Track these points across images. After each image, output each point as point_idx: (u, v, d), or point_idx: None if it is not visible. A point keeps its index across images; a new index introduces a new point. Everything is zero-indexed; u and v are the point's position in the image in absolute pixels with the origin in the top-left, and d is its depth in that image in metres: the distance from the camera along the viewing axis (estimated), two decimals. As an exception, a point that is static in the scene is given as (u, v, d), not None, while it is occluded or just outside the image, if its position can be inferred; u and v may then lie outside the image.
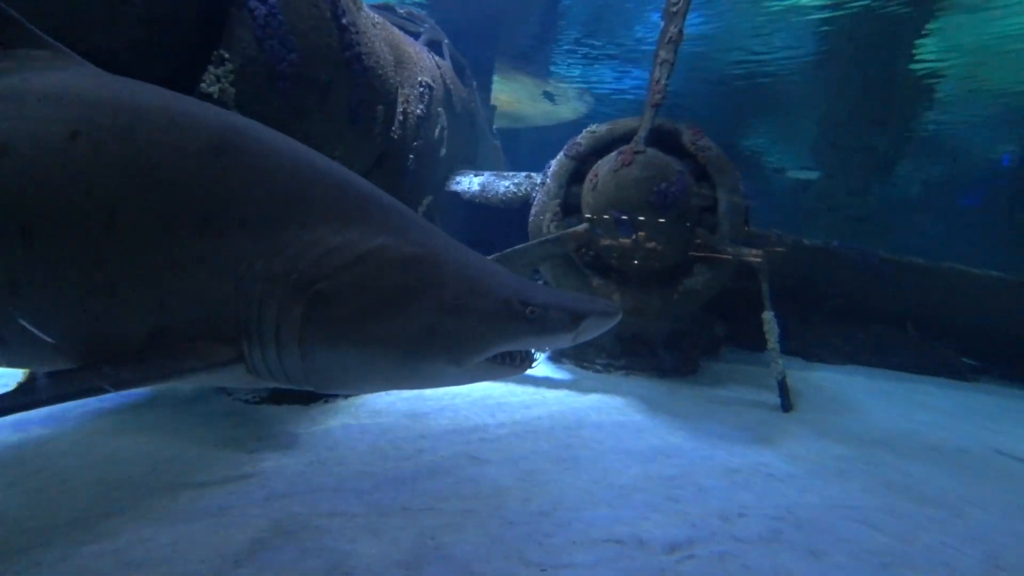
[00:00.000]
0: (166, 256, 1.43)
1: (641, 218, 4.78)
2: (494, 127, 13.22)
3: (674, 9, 5.35)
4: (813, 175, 16.04)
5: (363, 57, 4.83)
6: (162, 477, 2.70)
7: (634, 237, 4.69)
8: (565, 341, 1.58)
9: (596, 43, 16.93)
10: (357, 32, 4.72)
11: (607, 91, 19.69)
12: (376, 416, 3.77)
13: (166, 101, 1.62)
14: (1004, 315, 7.04)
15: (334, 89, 4.44)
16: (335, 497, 2.57)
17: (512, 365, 1.65)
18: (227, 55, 3.55)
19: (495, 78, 18.89)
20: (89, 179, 1.43)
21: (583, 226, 5.02)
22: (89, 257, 1.42)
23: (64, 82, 1.58)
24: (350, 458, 3.07)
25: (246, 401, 3.93)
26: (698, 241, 4.94)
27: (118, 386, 1.35)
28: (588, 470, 3.01)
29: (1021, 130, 18.20)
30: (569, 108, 21.43)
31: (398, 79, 6.22)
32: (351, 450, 3.19)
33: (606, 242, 4.91)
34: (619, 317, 1.65)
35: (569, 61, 18.27)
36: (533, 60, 18.49)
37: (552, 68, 18.73)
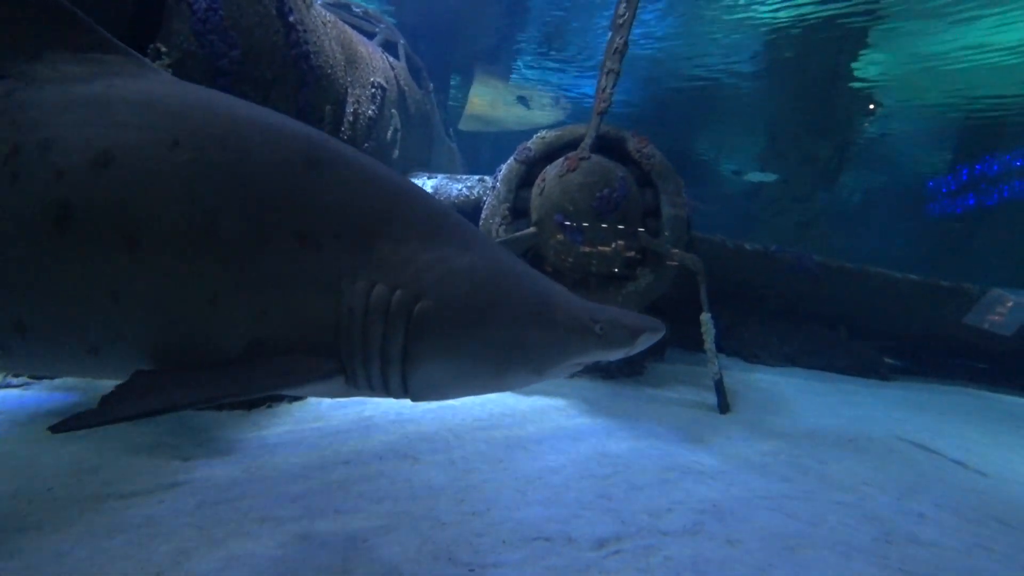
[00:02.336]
0: (267, 267, 1.42)
1: (584, 224, 4.91)
2: (451, 130, 13.19)
3: (620, 21, 5.51)
4: (771, 177, 16.68)
5: (311, 56, 4.77)
6: (86, 488, 2.60)
7: (580, 241, 4.81)
8: (622, 354, 1.70)
9: (566, 49, 17.15)
10: (305, 30, 4.66)
11: (577, 95, 19.97)
12: (319, 420, 3.73)
13: (252, 111, 1.62)
14: (920, 315, 7.56)
15: (279, 88, 4.37)
16: (267, 503, 2.55)
17: (570, 371, 1.76)
18: (164, 49, 3.45)
19: (467, 82, 18.93)
20: (192, 188, 1.42)
21: (531, 230, 5.11)
22: (192, 267, 1.39)
23: (153, 90, 1.55)
24: (287, 463, 3.04)
25: (183, 407, 3.81)
26: (641, 245, 5.10)
27: (222, 395, 1.32)
28: (525, 470, 3.08)
29: (952, 142, 19.52)
30: (544, 113, 21.63)
31: (349, 79, 6.16)
32: (290, 455, 3.16)
33: (552, 246, 5.01)
34: (663, 333, 1.77)
35: (545, 66, 18.40)
36: (497, 62, 18.58)
37: (527, 73, 18.85)
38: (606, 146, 5.48)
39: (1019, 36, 12.12)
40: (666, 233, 5.29)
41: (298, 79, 4.52)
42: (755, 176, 16.87)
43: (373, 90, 6.84)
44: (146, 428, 3.30)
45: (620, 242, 4.98)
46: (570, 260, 5.07)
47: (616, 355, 1.69)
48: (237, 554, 2.09)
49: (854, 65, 14.82)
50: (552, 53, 17.51)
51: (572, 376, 1.82)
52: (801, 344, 8.22)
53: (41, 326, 1.43)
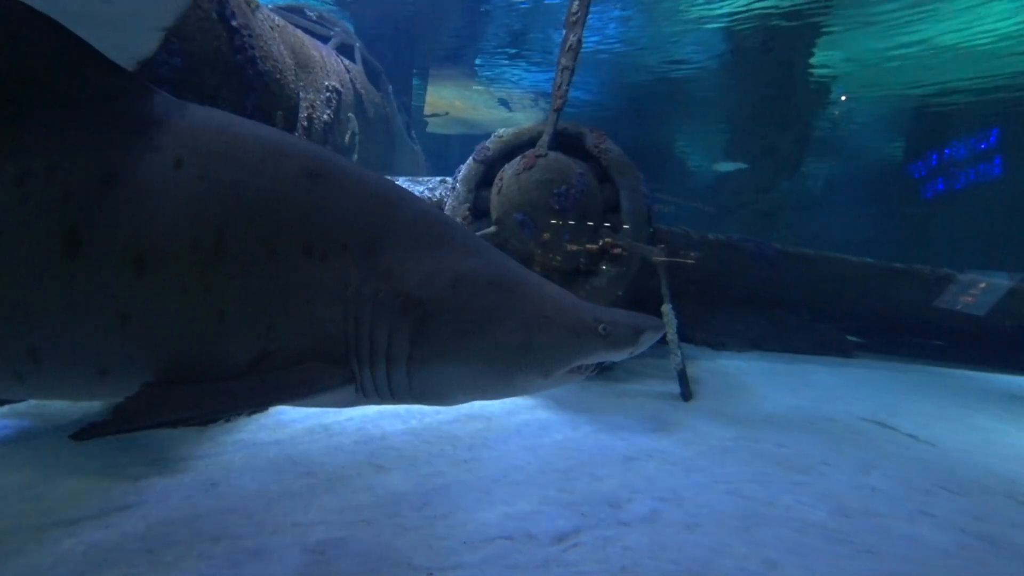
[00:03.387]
0: (273, 281, 1.44)
1: (553, 221, 4.94)
2: (413, 132, 13.08)
3: (573, 18, 5.55)
4: (742, 166, 16.99)
5: (258, 61, 4.67)
6: (27, 518, 2.48)
7: (541, 238, 4.83)
8: (627, 353, 1.74)
9: (531, 48, 17.15)
10: (251, 35, 4.56)
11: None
12: (279, 430, 3.66)
13: (254, 128, 1.64)
14: (876, 297, 7.84)
15: (224, 94, 4.27)
16: (223, 521, 2.48)
17: (577, 373, 1.78)
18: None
19: (430, 84, 18.75)
20: (196, 207, 1.42)
21: (491, 229, 5.10)
22: (199, 285, 1.40)
23: (153, 109, 1.56)
24: (245, 478, 2.97)
25: (137, 426, 3.69)
26: (602, 240, 5.15)
27: (237, 406, 1.33)
28: (489, 470, 3.08)
29: (905, 132, 20.24)
30: (525, 115, 21.58)
31: (301, 84, 6.05)
32: (248, 469, 3.08)
33: (513, 244, 5.02)
34: (664, 332, 1.83)
35: (516, 65, 18.36)
36: (460, 63, 18.51)
37: (493, 72, 18.79)
38: (564, 143, 5.51)
39: (964, 28, 12.65)
40: (627, 227, 5.35)
41: (244, 85, 4.42)
42: (725, 166, 17.14)
43: (328, 94, 6.74)
44: (95, 450, 3.19)
45: (580, 238, 5.02)
46: (534, 257, 5.08)
47: (620, 355, 1.74)
48: (187, 576, 2.03)
49: (811, 59, 15.24)
50: (522, 52, 17.52)
51: (578, 379, 1.85)
52: (765, 329, 8.43)
53: (54, 352, 1.42)
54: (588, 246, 5.11)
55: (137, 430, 1.24)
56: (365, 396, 1.58)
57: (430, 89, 19.42)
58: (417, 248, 1.57)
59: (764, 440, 3.76)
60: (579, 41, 5.45)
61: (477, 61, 18.60)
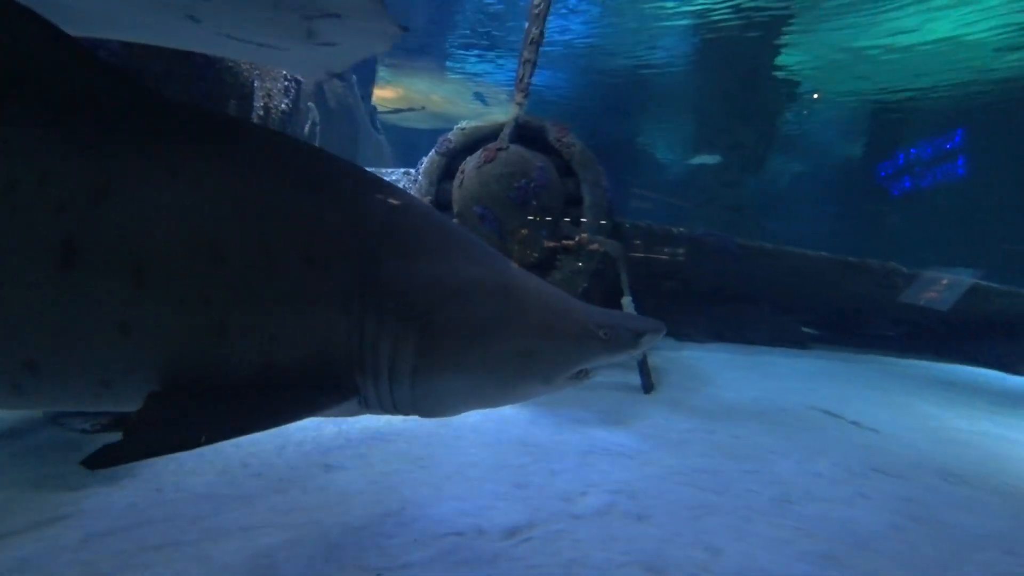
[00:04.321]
0: (274, 291, 1.41)
1: (513, 215, 4.91)
2: (378, 123, 12.86)
3: (536, 11, 5.52)
4: (715, 159, 17.23)
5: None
6: (-50, 532, 2.35)
7: (499, 231, 4.81)
8: (627, 356, 1.75)
9: (502, 40, 16.95)
10: (197, 21, 4.36)
11: (533, 89, 19.82)
12: (232, 433, 3.56)
13: (252, 133, 1.61)
14: (831, 290, 8.11)
15: (171, 82, 4.08)
16: (167, 528, 2.40)
17: (579, 378, 1.78)
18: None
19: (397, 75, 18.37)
20: (194, 216, 1.39)
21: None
22: (200, 295, 1.38)
23: (147, 115, 1.51)
24: (193, 482, 2.87)
25: (83, 431, 3.54)
26: (562, 233, 5.17)
27: (250, 429, 1.31)
28: (444, 467, 3.06)
29: (866, 130, 20.90)
30: (501, 109, 21.27)
31: (257, 72, 5.85)
32: (196, 473, 2.99)
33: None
34: (664, 332, 1.83)
35: (486, 59, 18.11)
36: (431, 56, 18.22)
37: (464, 66, 18.52)
38: (527, 136, 5.49)
39: (920, 29, 13.09)
40: (589, 220, 5.38)
41: (191, 73, 4.24)
42: (700, 159, 17.35)
43: (286, 83, 6.54)
44: (32, 460, 3.04)
45: (540, 232, 5.02)
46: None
47: (621, 357, 1.75)
48: (122, 588, 1.96)
49: (777, 57, 15.54)
50: (494, 46, 17.32)
51: (579, 384, 1.86)
52: (727, 321, 8.63)
53: (52, 364, 1.39)
54: (547, 241, 5.12)
55: (152, 456, 1.25)
56: (368, 408, 1.57)
57: (404, 83, 19.07)
58: (420, 255, 1.55)
59: (720, 431, 3.84)
60: (541, 34, 5.43)
61: (448, 54, 18.38)
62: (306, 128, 7.09)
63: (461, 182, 5.05)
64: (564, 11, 13.92)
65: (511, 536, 2.34)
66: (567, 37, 15.79)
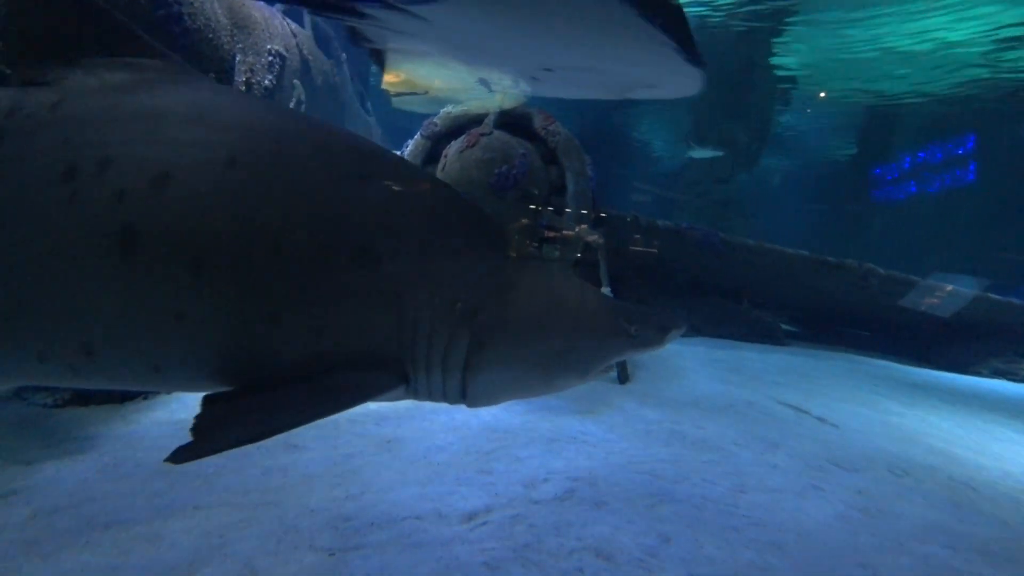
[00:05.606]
0: (328, 283, 1.43)
1: (492, 201, 4.88)
2: (368, 103, 12.66)
3: None
4: (718, 153, 17.19)
5: (184, 18, 4.37)
6: None
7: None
8: (653, 352, 1.82)
9: None
10: (173, -11, 4.24)
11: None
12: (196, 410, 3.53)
13: (302, 123, 1.61)
14: (809, 288, 8.20)
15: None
16: (119, 505, 2.37)
17: (607, 370, 1.84)
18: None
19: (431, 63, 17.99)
20: (251, 206, 1.40)
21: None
22: (255, 285, 1.39)
23: (201, 101, 1.51)
24: (151, 458, 2.84)
25: (44, 406, 3.48)
26: (544, 222, 5.15)
27: (309, 419, 1.32)
28: (410, 451, 3.06)
29: (855, 132, 21.01)
30: (506, 96, 21.03)
31: (239, 45, 5.72)
32: (155, 448, 2.96)
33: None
34: (685, 329, 1.90)
35: None
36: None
37: None
38: (512, 123, 5.44)
39: (920, 29, 13.14)
40: (572, 209, 5.36)
41: (167, 44, 4.12)
42: (701, 152, 17.28)
43: (271, 58, 6.39)
44: (-12, 430, 2.99)
45: (522, 218, 5.00)
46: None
47: (647, 353, 1.83)
48: (67, 569, 1.93)
49: (771, 56, 15.52)
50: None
51: (604, 376, 1.93)
52: (707, 315, 8.71)
53: (108, 349, 1.41)
54: (527, 228, 5.10)
55: (223, 451, 1.25)
56: (416, 395, 1.61)
57: (406, 67, 18.72)
58: (467, 251, 1.59)
59: (686, 422, 3.89)
60: (528, 19, 5.34)
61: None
62: (291, 105, 6.95)
63: (443, 166, 5.01)
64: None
65: (469, 520, 2.36)
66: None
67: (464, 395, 1.61)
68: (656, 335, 1.79)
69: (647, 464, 3.05)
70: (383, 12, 3.11)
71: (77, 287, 1.37)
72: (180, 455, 1.20)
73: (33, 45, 1.50)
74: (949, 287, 8.06)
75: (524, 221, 5.13)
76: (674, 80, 3.49)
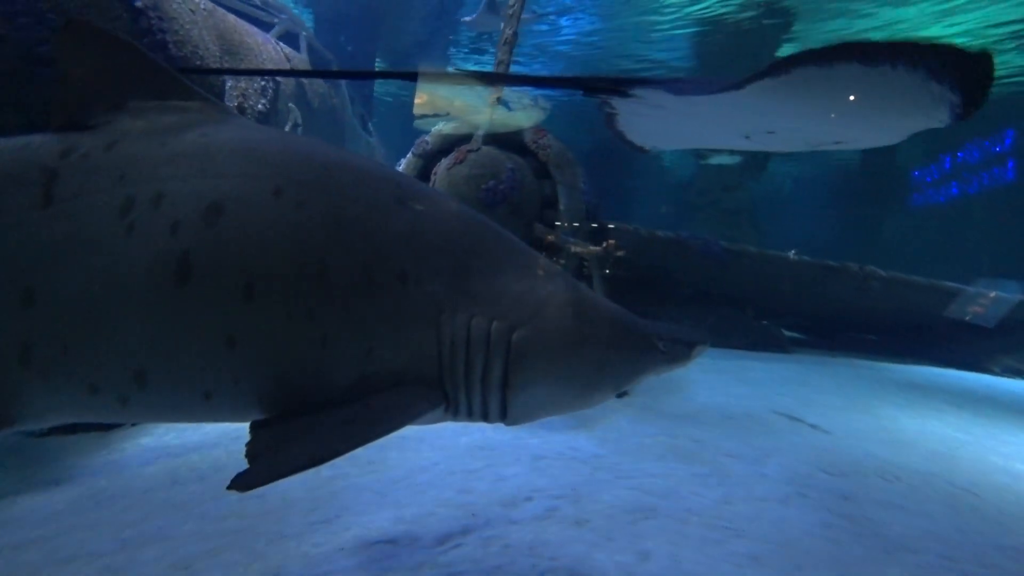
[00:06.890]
0: (373, 306, 1.47)
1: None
2: (369, 124, 12.82)
3: (510, 12, 5.48)
4: (735, 160, 17.10)
5: (170, 45, 4.45)
6: None
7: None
8: (681, 367, 1.82)
9: (519, 40, 16.90)
10: (160, 17, 4.33)
11: (550, 93, 19.72)
12: (184, 434, 3.51)
13: (340, 155, 1.69)
14: (812, 294, 8.06)
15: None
16: (87, 537, 2.33)
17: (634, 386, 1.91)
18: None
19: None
20: (298, 235, 1.46)
21: (423, 225, 5.01)
22: (305, 311, 1.43)
23: (246, 138, 1.60)
24: (130, 487, 2.82)
25: (29, 434, 3.48)
26: (535, 236, 5.11)
27: (357, 444, 1.32)
28: (393, 471, 3.00)
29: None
30: (525, 115, 21.15)
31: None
32: (136, 477, 2.94)
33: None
34: (709, 344, 1.91)
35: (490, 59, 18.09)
36: (428, 56, 18.23)
37: (469, 67, 18.50)
38: (502, 138, 5.45)
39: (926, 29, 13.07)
40: (565, 223, 5.33)
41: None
42: (719, 159, 17.20)
43: (263, 82, 6.51)
44: (-30, 461, 2.99)
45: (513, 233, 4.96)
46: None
47: (675, 369, 1.83)
48: (25, 603, 1.89)
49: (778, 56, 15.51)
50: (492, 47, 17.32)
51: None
52: (713, 325, 8.57)
53: (161, 376, 1.45)
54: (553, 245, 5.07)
55: (279, 479, 1.25)
56: (455, 415, 1.63)
57: (423, 88, 19.04)
58: (501, 272, 1.63)
59: (682, 436, 3.78)
60: (514, 35, 5.40)
61: (451, 52, 18.35)
62: (287, 129, 7.05)
63: (434, 183, 5.01)
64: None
65: (441, 544, 2.28)
66: (569, 36, 15.77)
67: (504, 413, 1.62)
68: (685, 352, 1.80)
69: (636, 479, 2.95)
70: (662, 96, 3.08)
71: (133, 315, 1.41)
72: (240, 482, 1.22)
73: (82, 91, 1.57)
74: (993, 293, 7.82)
75: (551, 239, 5.11)
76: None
